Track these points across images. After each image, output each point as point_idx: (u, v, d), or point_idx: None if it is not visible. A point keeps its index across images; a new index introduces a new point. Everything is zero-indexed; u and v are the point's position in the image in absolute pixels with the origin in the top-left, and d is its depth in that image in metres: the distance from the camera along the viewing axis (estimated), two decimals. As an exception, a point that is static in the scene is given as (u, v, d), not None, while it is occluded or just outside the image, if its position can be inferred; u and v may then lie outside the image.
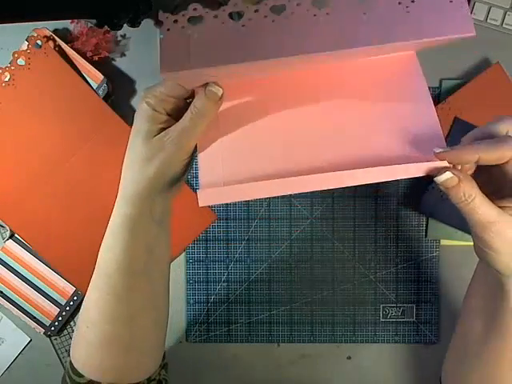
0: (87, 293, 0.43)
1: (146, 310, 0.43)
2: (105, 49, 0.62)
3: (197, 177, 0.64)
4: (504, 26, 0.62)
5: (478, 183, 0.35)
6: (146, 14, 0.61)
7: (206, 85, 0.38)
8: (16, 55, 0.60)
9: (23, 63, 0.60)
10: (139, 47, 0.64)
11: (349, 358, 0.66)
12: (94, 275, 0.43)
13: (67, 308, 0.64)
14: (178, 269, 0.65)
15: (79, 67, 0.62)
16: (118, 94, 0.64)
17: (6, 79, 0.60)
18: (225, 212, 0.65)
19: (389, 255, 0.65)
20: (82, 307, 0.44)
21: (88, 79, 0.62)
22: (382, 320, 0.65)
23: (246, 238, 0.65)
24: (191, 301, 0.65)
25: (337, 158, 0.36)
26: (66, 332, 0.66)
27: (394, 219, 0.65)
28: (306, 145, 0.37)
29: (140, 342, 0.44)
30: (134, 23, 0.60)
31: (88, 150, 0.62)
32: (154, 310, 0.44)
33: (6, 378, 0.66)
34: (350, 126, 0.38)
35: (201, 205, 0.36)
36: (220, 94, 0.37)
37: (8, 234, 0.64)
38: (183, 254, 0.65)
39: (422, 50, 0.39)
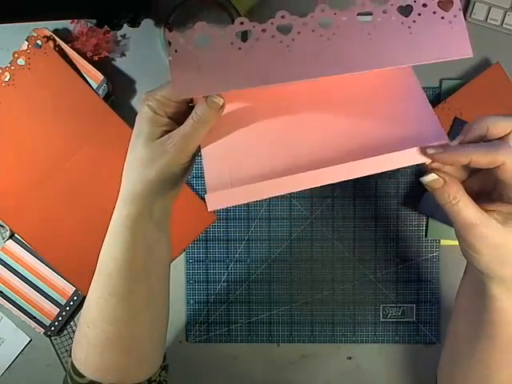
0: (88, 293, 0.44)
1: (147, 310, 0.43)
2: (105, 49, 0.62)
3: (197, 177, 0.64)
4: (504, 26, 0.62)
5: (466, 184, 0.35)
6: (146, 14, 0.61)
7: None
8: (16, 55, 0.60)
9: (23, 63, 0.60)
10: (139, 47, 0.64)
11: (349, 358, 0.66)
12: (94, 275, 0.43)
13: (67, 308, 0.64)
14: (178, 269, 0.65)
15: (79, 67, 0.62)
16: (118, 94, 0.64)
17: (6, 79, 0.60)
18: (225, 212, 0.65)
19: (389, 255, 0.65)
20: (83, 307, 0.44)
21: (88, 79, 0.62)
22: (381, 320, 0.65)
23: (245, 238, 0.65)
24: (191, 301, 0.65)
25: (340, 152, 0.36)
26: (66, 332, 0.66)
27: (394, 219, 0.65)
28: (309, 142, 0.37)
29: (140, 342, 0.44)
30: (134, 23, 0.60)
31: (88, 150, 0.62)
32: (154, 310, 0.44)
33: (6, 378, 0.66)
34: (350, 123, 0.38)
35: (210, 209, 0.35)
36: (221, 104, 0.37)
37: (8, 233, 0.64)
38: (183, 254, 0.65)
39: None
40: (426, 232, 0.64)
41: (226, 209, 0.65)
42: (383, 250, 0.65)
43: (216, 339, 0.66)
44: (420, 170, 0.64)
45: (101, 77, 0.62)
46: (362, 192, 0.64)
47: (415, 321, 0.65)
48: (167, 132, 0.39)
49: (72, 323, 0.66)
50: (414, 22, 0.34)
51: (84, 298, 0.64)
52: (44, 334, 0.64)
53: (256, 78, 0.34)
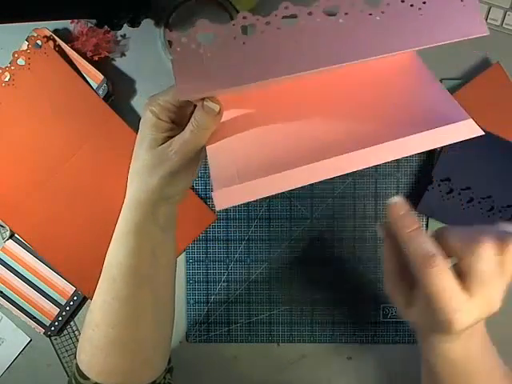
0: (94, 296, 0.44)
1: (151, 314, 0.43)
2: (105, 49, 0.62)
3: (197, 177, 0.64)
4: (504, 26, 0.62)
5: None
6: (146, 14, 0.61)
7: (203, 98, 0.37)
8: (16, 55, 0.60)
9: (23, 63, 0.60)
10: (139, 47, 0.64)
11: (349, 358, 0.66)
12: (100, 279, 0.43)
13: (67, 308, 0.64)
14: (178, 269, 0.65)
15: (79, 67, 0.62)
16: (118, 94, 0.64)
17: (6, 79, 0.60)
18: (225, 212, 0.65)
19: (389, 255, 0.65)
20: (88, 310, 0.44)
21: (88, 79, 0.62)
22: (382, 320, 0.65)
23: (245, 238, 0.65)
24: (191, 301, 0.65)
25: (352, 140, 0.34)
26: (65, 332, 0.66)
27: (394, 219, 0.65)
28: (318, 133, 0.36)
29: (145, 345, 0.44)
30: (134, 23, 0.60)
31: (88, 150, 0.62)
32: (159, 314, 0.44)
33: (6, 377, 0.66)
34: (361, 111, 0.36)
35: (218, 208, 0.33)
36: (217, 110, 0.36)
37: (8, 233, 0.64)
38: (183, 253, 0.65)
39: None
40: (426, 232, 0.64)
41: (226, 209, 0.65)
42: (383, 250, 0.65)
43: (216, 339, 0.66)
44: (420, 170, 0.65)
45: (101, 77, 0.62)
46: (362, 192, 0.64)
47: (415, 321, 0.65)
48: (171, 137, 0.39)
49: (72, 323, 0.66)
50: (424, 3, 0.33)
51: (84, 298, 0.64)
52: (44, 334, 0.64)
53: (264, 72, 0.33)
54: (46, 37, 0.61)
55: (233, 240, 0.65)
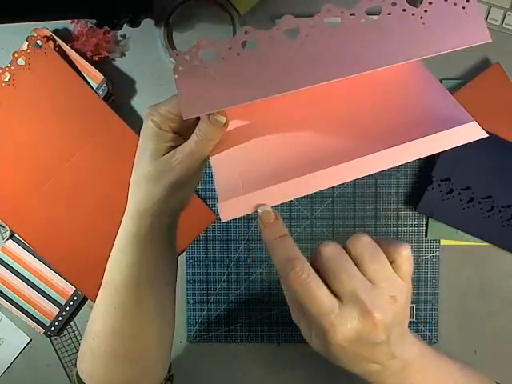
0: (95, 305, 0.43)
1: (152, 324, 0.43)
2: (105, 49, 0.62)
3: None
4: (504, 26, 0.62)
5: None
6: (146, 14, 0.61)
7: None
8: (16, 55, 0.60)
9: (23, 63, 0.60)
10: (139, 47, 0.64)
11: (349, 358, 0.66)
12: (101, 288, 0.43)
13: (67, 308, 0.64)
14: (178, 269, 0.65)
15: (79, 67, 0.62)
16: (118, 94, 0.64)
17: (6, 79, 0.60)
18: (225, 212, 0.65)
19: (389, 255, 0.65)
20: (89, 319, 0.44)
21: (88, 79, 0.62)
22: (382, 320, 0.65)
23: (245, 238, 0.65)
24: (191, 301, 0.65)
25: (355, 147, 0.34)
26: (65, 332, 0.66)
27: (394, 219, 0.65)
28: (321, 141, 0.35)
29: (145, 355, 0.44)
30: (134, 23, 0.60)
31: (88, 150, 0.62)
32: (159, 324, 0.44)
33: (6, 377, 0.66)
34: (363, 117, 0.36)
35: (224, 220, 0.33)
36: (224, 122, 0.36)
37: (8, 233, 0.64)
38: (183, 253, 0.65)
39: None
40: (426, 232, 0.64)
41: (226, 209, 0.65)
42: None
43: (216, 339, 0.66)
44: (420, 170, 0.65)
45: (101, 77, 0.62)
46: (362, 192, 0.64)
47: (415, 321, 0.65)
48: (173, 147, 0.38)
49: (72, 323, 0.66)
50: (426, 11, 0.33)
51: (84, 298, 0.64)
52: (44, 334, 0.64)
53: (269, 88, 0.33)
54: (46, 37, 0.61)
55: (233, 240, 0.65)
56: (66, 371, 0.66)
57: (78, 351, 0.46)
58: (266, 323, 0.65)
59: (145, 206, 0.39)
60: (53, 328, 0.64)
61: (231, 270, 0.65)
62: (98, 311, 0.43)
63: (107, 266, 0.42)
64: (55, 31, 0.62)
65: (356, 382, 0.69)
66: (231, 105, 0.33)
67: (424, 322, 0.65)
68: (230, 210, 0.33)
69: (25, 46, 0.61)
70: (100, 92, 0.62)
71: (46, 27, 0.61)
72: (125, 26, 0.59)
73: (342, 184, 0.36)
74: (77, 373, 0.45)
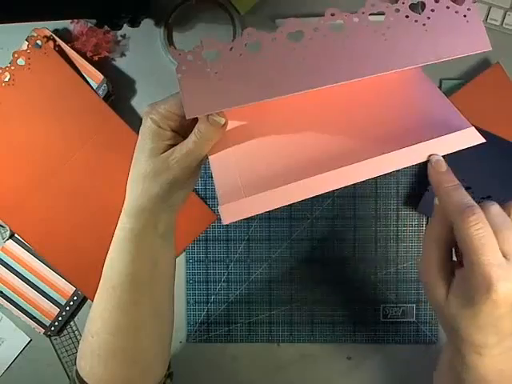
0: (93, 303, 0.43)
1: (151, 322, 0.43)
2: (105, 49, 0.62)
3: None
4: (504, 26, 0.62)
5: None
6: (146, 14, 0.61)
7: None
8: (16, 55, 0.60)
9: (23, 63, 0.60)
10: (139, 47, 0.64)
11: (349, 358, 0.66)
12: (99, 287, 0.43)
13: (67, 308, 0.64)
14: (178, 269, 0.65)
15: (79, 67, 0.62)
16: (118, 94, 0.64)
17: (6, 79, 0.60)
18: (225, 212, 0.65)
19: (389, 255, 0.65)
20: (88, 317, 0.44)
21: (88, 79, 0.62)
22: (382, 320, 0.65)
23: (245, 238, 0.65)
24: (191, 301, 0.65)
25: (355, 152, 0.34)
26: (65, 332, 0.66)
27: (394, 219, 0.65)
28: (322, 145, 0.36)
29: (144, 353, 0.44)
30: (134, 23, 0.60)
31: (88, 150, 0.62)
32: (158, 322, 0.44)
33: (6, 377, 0.66)
34: (363, 122, 0.36)
35: (225, 222, 0.33)
36: (223, 123, 0.36)
37: (8, 233, 0.64)
38: (183, 253, 0.65)
39: None
40: (426, 232, 0.64)
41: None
42: (383, 250, 0.65)
43: (216, 339, 0.66)
44: (420, 170, 0.65)
45: (101, 77, 0.62)
46: (362, 192, 0.64)
47: (415, 321, 0.65)
48: (171, 146, 0.38)
49: (72, 323, 0.66)
50: (429, 18, 0.33)
51: (84, 298, 0.64)
52: (44, 334, 0.64)
53: (271, 90, 0.33)
54: (46, 37, 0.61)
55: (233, 240, 0.65)
56: (66, 371, 0.66)
57: (77, 351, 0.46)
58: (266, 323, 0.65)
59: (141, 204, 0.39)
60: (53, 328, 0.64)
61: (231, 269, 0.65)
62: (96, 309, 0.43)
63: (105, 264, 0.42)
64: (55, 31, 0.62)
65: (356, 381, 0.70)
66: (234, 105, 0.34)
67: (424, 321, 0.65)
68: (231, 213, 0.33)
69: (25, 46, 0.61)
70: (100, 92, 0.62)
71: (46, 27, 0.61)
72: (125, 26, 0.59)
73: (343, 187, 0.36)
74: (76, 370, 0.45)
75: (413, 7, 0.33)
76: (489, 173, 0.61)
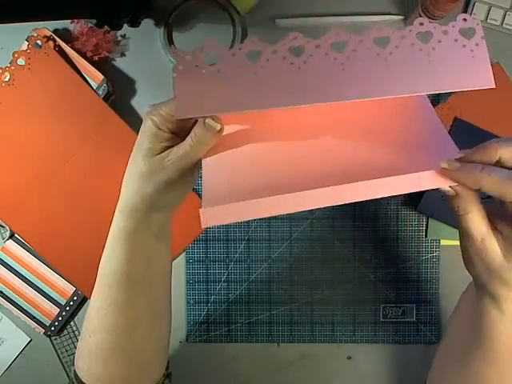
0: (90, 302, 0.44)
1: (148, 320, 0.43)
2: (105, 49, 0.62)
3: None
4: (504, 25, 0.62)
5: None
6: (146, 14, 0.61)
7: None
8: (16, 55, 0.60)
9: (23, 63, 0.60)
10: (139, 47, 0.64)
11: (349, 358, 0.66)
12: (95, 285, 0.43)
13: (67, 308, 0.64)
14: (178, 269, 0.65)
15: (79, 67, 0.62)
16: (118, 94, 0.64)
17: (6, 79, 0.60)
18: (225, 212, 0.65)
19: (389, 255, 0.65)
20: (85, 316, 0.44)
21: (88, 79, 0.62)
22: (381, 320, 0.65)
23: (246, 238, 0.65)
24: (191, 301, 0.65)
25: (348, 172, 0.34)
26: (65, 332, 0.66)
27: (394, 219, 0.65)
28: (312, 161, 0.36)
29: (142, 352, 0.44)
30: (134, 23, 0.60)
31: (88, 150, 0.62)
32: (155, 321, 0.44)
33: (6, 378, 0.66)
34: (353, 142, 0.36)
35: (203, 226, 0.32)
36: (218, 129, 0.36)
37: (8, 233, 0.64)
38: (183, 253, 0.65)
39: None
40: (426, 232, 0.64)
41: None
42: (383, 250, 0.65)
43: (216, 339, 0.66)
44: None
45: (101, 77, 0.62)
46: (362, 192, 0.64)
47: (415, 321, 0.65)
48: (169, 147, 0.39)
49: (72, 323, 0.66)
50: (434, 49, 0.33)
51: (84, 298, 0.64)
52: (44, 334, 0.64)
53: (265, 101, 0.33)
54: (46, 37, 0.61)
55: (233, 240, 0.65)
56: (65, 371, 0.66)
57: (76, 352, 0.46)
58: (266, 323, 0.65)
59: (135, 202, 0.39)
60: (53, 328, 0.64)
61: (231, 269, 0.65)
62: (93, 308, 0.43)
63: (100, 264, 0.42)
64: (55, 31, 0.62)
65: (356, 381, 0.70)
66: (225, 112, 0.34)
67: (424, 321, 0.65)
68: (211, 216, 0.32)
69: (25, 46, 0.61)
70: (100, 92, 0.62)
71: (46, 27, 0.61)
72: (125, 25, 0.59)
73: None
74: (74, 371, 0.45)
75: (420, 37, 0.33)
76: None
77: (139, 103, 0.65)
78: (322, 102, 0.32)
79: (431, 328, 0.65)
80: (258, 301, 0.65)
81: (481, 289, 0.36)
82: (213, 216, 0.32)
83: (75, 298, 0.64)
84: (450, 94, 0.62)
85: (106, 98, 0.62)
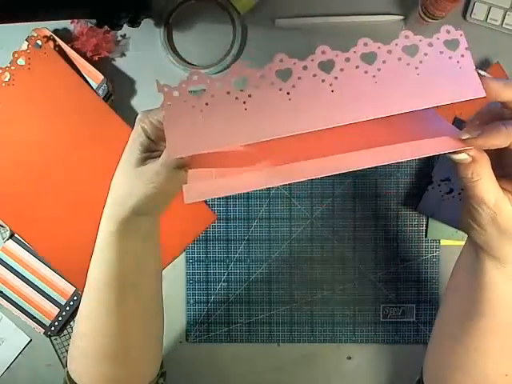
0: (80, 305, 0.44)
1: (138, 321, 0.43)
2: (105, 49, 0.62)
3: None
4: (504, 26, 0.62)
5: (493, 156, 0.33)
6: (146, 14, 0.61)
7: None
8: (16, 55, 0.60)
9: (23, 63, 0.60)
10: (139, 47, 0.64)
11: (349, 358, 0.66)
12: (84, 289, 0.43)
13: (67, 308, 0.64)
14: (178, 269, 0.65)
15: (79, 67, 0.62)
16: (118, 94, 0.64)
17: (6, 79, 0.60)
18: (225, 212, 0.65)
19: (389, 255, 0.65)
20: (75, 319, 0.44)
21: (88, 79, 0.62)
22: (381, 320, 0.65)
23: (246, 238, 0.65)
24: (191, 301, 0.65)
25: (348, 146, 0.33)
26: (65, 332, 0.66)
27: (394, 219, 0.65)
28: (309, 141, 0.34)
29: (134, 353, 0.44)
30: (134, 23, 0.60)
31: (88, 150, 0.62)
32: (146, 320, 0.44)
33: (6, 377, 0.66)
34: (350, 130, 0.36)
35: (186, 201, 0.32)
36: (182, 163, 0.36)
37: (8, 233, 0.64)
38: (183, 253, 0.65)
39: None
40: (426, 232, 0.64)
41: (226, 209, 0.65)
42: (383, 250, 0.65)
43: (216, 339, 0.66)
44: (420, 170, 0.64)
45: (101, 77, 0.62)
46: (362, 192, 0.64)
47: (415, 321, 0.65)
48: (158, 157, 0.38)
49: (72, 323, 0.66)
50: (421, 62, 0.32)
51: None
52: (44, 334, 0.64)
53: (257, 132, 0.31)
54: (46, 37, 0.61)
55: (233, 240, 0.65)
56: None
57: (68, 353, 0.46)
58: (266, 323, 0.65)
59: (120, 210, 0.39)
60: (53, 328, 0.64)
61: (231, 269, 0.65)
62: (83, 311, 0.43)
63: (89, 267, 0.42)
64: (55, 31, 0.62)
65: (356, 381, 0.70)
66: (217, 148, 0.33)
67: (424, 321, 0.65)
68: (195, 191, 0.32)
69: (25, 46, 0.61)
70: (100, 92, 0.62)
71: (46, 27, 0.61)
72: (125, 25, 0.59)
73: (339, 177, 0.35)
74: (67, 372, 0.45)
75: (407, 50, 0.32)
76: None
77: (139, 103, 0.65)
78: (314, 128, 0.31)
79: (431, 328, 0.65)
80: (258, 301, 0.65)
81: (485, 252, 0.36)
82: (197, 191, 0.32)
83: (75, 298, 0.64)
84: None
85: (106, 98, 0.62)
